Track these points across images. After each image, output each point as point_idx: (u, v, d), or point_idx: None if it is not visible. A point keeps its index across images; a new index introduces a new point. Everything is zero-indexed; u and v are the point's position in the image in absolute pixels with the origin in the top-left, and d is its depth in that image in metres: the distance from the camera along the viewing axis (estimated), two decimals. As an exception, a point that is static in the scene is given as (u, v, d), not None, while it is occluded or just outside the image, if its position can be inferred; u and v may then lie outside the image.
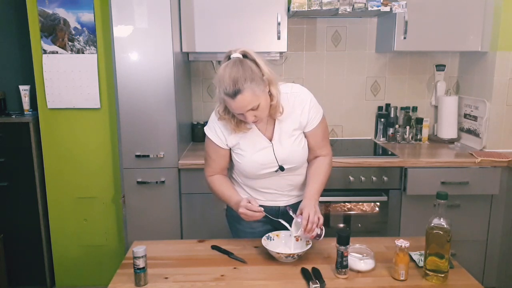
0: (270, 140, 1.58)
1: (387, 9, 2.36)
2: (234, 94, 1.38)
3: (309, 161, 1.68)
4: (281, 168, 1.58)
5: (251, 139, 1.58)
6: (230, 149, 1.62)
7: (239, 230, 1.73)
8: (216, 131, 1.59)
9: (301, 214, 1.48)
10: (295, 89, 1.60)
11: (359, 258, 1.41)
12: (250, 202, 1.49)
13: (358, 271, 1.40)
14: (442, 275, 1.34)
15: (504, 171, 2.39)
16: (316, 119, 1.60)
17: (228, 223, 1.81)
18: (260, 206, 1.64)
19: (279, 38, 2.44)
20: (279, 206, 1.67)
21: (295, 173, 1.64)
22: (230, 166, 1.71)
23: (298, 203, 1.66)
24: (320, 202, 1.66)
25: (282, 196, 1.67)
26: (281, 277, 1.38)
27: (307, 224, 1.44)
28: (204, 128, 1.64)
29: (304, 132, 1.62)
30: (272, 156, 1.57)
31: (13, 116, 2.64)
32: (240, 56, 1.45)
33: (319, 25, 2.84)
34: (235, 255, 1.52)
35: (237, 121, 1.53)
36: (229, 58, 1.45)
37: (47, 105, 2.57)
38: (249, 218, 1.49)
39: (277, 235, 1.56)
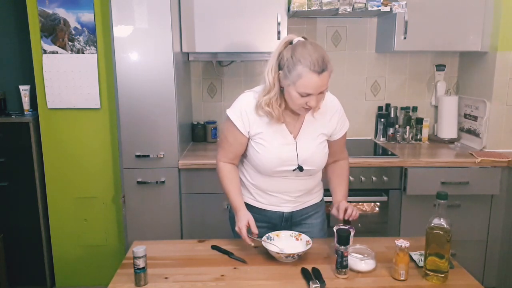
0: (294, 138, 1.56)
1: (387, 9, 2.36)
2: (322, 70, 1.37)
3: (328, 164, 1.69)
4: (300, 168, 1.56)
5: (276, 132, 1.55)
6: (249, 139, 1.58)
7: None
8: (242, 115, 1.54)
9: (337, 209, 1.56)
10: (329, 94, 1.60)
11: (360, 259, 1.41)
12: (248, 225, 1.51)
13: (359, 272, 1.40)
14: (442, 275, 1.34)
15: (504, 171, 2.39)
16: (342, 130, 1.64)
17: (230, 224, 1.80)
18: (263, 210, 1.66)
19: (279, 38, 2.44)
20: (283, 212, 1.66)
21: (310, 177, 1.63)
22: (241, 162, 1.69)
23: (303, 210, 1.67)
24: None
25: (287, 202, 1.64)
26: (281, 277, 1.38)
27: (345, 212, 1.53)
28: (227, 110, 1.58)
29: (328, 140, 1.63)
30: (294, 153, 1.55)
31: (13, 116, 2.64)
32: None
33: (319, 25, 2.84)
34: (235, 255, 1.51)
35: (283, 108, 1.51)
36: (290, 43, 1.45)
37: (47, 105, 2.57)
38: (240, 233, 1.51)
39: (277, 235, 1.56)
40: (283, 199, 1.63)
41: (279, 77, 1.46)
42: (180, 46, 2.44)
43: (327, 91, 1.49)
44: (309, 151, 1.57)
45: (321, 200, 1.74)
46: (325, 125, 1.59)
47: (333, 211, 1.58)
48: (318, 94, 1.42)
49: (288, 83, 1.43)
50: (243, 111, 1.54)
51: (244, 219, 1.51)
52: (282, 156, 1.55)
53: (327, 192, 1.73)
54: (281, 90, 1.48)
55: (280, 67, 1.45)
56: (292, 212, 1.66)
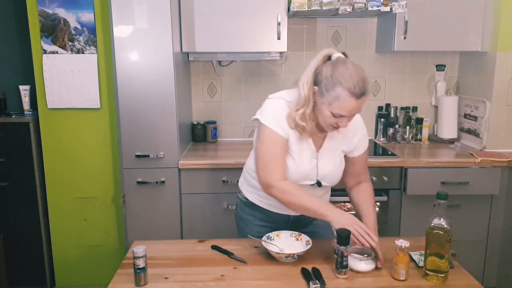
0: (317, 153, 1.54)
1: (387, 9, 2.36)
2: (362, 94, 1.33)
3: (352, 186, 1.67)
4: (318, 184, 1.55)
5: (302, 145, 1.50)
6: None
7: (245, 232, 1.70)
8: (279, 121, 1.46)
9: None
10: None
11: (359, 259, 1.41)
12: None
13: (359, 272, 1.40)
14: (442, 275, 1.34)
15: (504, 171, 2.39)
16: (364, 147, 1.61)
17: (237, 223, 1.80)
18: (270, 212, 1.65)
19: (279, 38, 2.44)
20: (290, 215, 1.65)
21: (325, 191, 1.62)
22: (247, 164, 1.67)
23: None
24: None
25: None
26: (281, 277, 1.38)
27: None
28: (260, 118, 1.47)
29: (348, 157, 1.61)
30: (315, 169, 1.54)
31: (13, 116, 2.64)
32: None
33: (319, 25, 2.84)
34: (235, 255, 1.51)
35: (315, 125, 1.45)
36: (329, 58, 1.41)
37: (47, 105, 2.57)
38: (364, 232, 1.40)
39: (277, 235, 1.56)
40: None
41: (313, 91, 1.41)
42: (180, 46, 2.44)
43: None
44: (329, 167, 1.55)
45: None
46: (347, 142, 1.58)
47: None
48: (351, 116, 1.40)
49: (323, 101, 1.38)
50: (280, 117, 1.47)
51: (355, 219, 1.42)
52: (305, 171, 1.52)
53: (332, 192, 1.72)
54: (314, 104, 1.43)
55: (316, 82, 1.40)
56: (297, 216, 1.65)
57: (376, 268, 1.41)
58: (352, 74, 1.33)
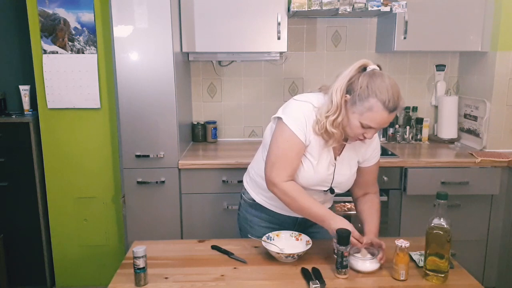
0: (335, 160, 1.54)
1: (387, 9, 2.36)
2: (394, 109, 1.35)
3: (358, 196, 1.67)
4: (331, 191, 1.56)
5: (323, 152, 1.49)
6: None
7: (250, 233, 1.69)
8: (303, 126, 1.44)
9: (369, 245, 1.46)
10: None
11: (363, 260, 1.41)
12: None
13: (365, 272, 1.39)
14: (442, 275, 1.34)
15: (504, 171, 2.39)
16: (376, 157, 1.62)
17: (239, 224, 1.79)
18: (277, 214, 1.65)
19: (279, 38, 2.44)
20: (297, 218, 1.65)
21: (331, 196, 1.63)
22: (259, 163, 1.65)
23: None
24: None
25: None
26: (281, 277, 1.38)
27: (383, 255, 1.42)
28: (283, 118, 1.45)
29: (359, 167, 1.61)
30: (331, 176, 1.54)
31: (13, 116, 2.64)
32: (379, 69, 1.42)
33: (319, 25, 2.84)
34: (235, 255, 1.51)
35: (343, 133, 1.44)
36: (364, 69, 1.42)
37: (47, 105, 2.57)
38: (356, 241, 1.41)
39: (277, 235, 1.56)
40: None
41: (345, 100, 1.40)
42: (180, 46, 2.44)
43: None
44: (345, 176, 1.56)
45: (332, 205, 1.75)
46: (363, 152, 1.58)
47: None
48: (379, 128, 1.41)
49: (354, 111, 1.39)
50: (304, 122, 1.45)
51: (349, 223, 1.42)
52: (322, 177, 1.53)
53: (337, 195, 1.72)
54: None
55: (348, 91, 1.40)
56: (305, 218, 1.64)
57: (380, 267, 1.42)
58: (388, 88, 1.34)
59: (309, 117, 1.45)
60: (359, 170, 1.61)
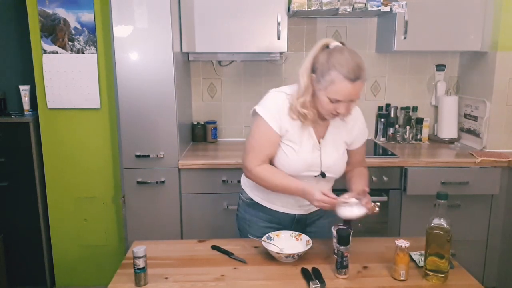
0: (319, 144, 1.55)
1: (387, 9, 2.36)
2: (356, 78, 1.37)
3: (347, 172, 1.68)
4: (323, 175, 1.56)
5: (304, 136, 1.53)
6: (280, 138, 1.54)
7: (249, 233, 1.69)
8: (276, 114, 1.50)
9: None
10: None
11: (350, 205, 1.42)
12: (324, 194, 1.43)
13: (352, 218, 1.42)
14: (442, 275, 1.34)
15: (504, 171, 2.39)
16: (362, 139, 1.65)
17: (238, 225, 1.79)
18: (275, 212, 1.65)
19: (279, 38, 2.44)
20: (295, 214, 1.66)
21: (327, 183, 1.62)
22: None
23: (314, 212, 1.67)
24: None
25: (301, 206, 1.63)
26: (281, 277, 1.38)
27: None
28: (257, 109, 1.52)
29: (348, 150, 1.64)
30: (318, 159, 1.55)
31: (13, 116, 2.64)
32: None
33: (319, 25, 2.84)
34: (235, 255, 1.51)
35: (316, 113, 1.49)
36: (327, 47, 1.44)
37: (47, 105, 2.57)
38: (327, 207, 1.44)
39: (277, 235, 1.56)
40: (298, 203, 1.62)
41: (311, 79, 1.45)
42: (180, 46, 2.44)
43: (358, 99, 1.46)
44: (332, 158, 1.57)
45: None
46: (348, 133, 1.60)
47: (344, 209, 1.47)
48: (349, 101, 1.42)
49: (320, 88, 1.42)
50: (277, 110, 1.50)
51: (319, 192, 1.43)
52: (308, 162, 1.54)
53: (338, 193, 1.72)
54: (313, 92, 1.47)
55: (313, 70, 1.44)
56: (303, 214, 1.66)
57: (371, 213, 1.46)
58: (348, 59, 1.37)
59: (282, 105, 1.50)
60: (349, 152, 1.64)
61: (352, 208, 1.42)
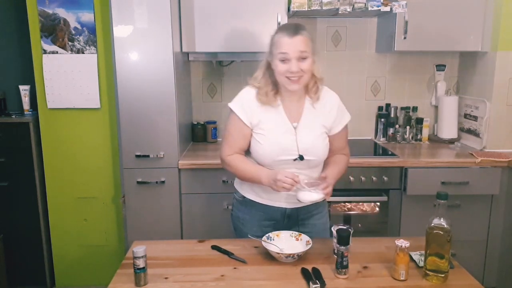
0: (294, 127, 1.59)
1: (387, 9, 2.36)
2: (294, 33, 1.49)
3: (328, 158, 1.71)
4: (301, 157, 1.58)
5: (275, 120, 1.59)
6: (252, 131, 1.62)
7: (243, 232, 1.72)
8: (243, 105, 1.60)
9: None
10: (329, 91, 1.68)
11: (307, 190, 1.49)
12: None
13: (305, 201, 1.51)
14: (442, 275, 1.34)
15: (504, 171, 2.39)
16: (342, 122, 1.66)
17: (233, 224, 1.81)
18: (265, 206, 1.67)
19: (279, 38, 2.44)
20: (286, 208, 1.67)
21: (311, 170, 1.63)
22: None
23: (305, 208, 1.67)
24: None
25: (288, 196, 1.62)
26: (281, 277, 1.38)
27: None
28: (229, 104, 1.64)
29: (329, 135, 1.65)
30: (294, 142, 1.58)
31: (13, 116, 2.64)
32: None
33: (319, 25, 2.84)
34: (235, 255, 1.51)
35: (272, 88, 1.58)
36: None
37: (47, 105, 2.57)
38: (288, 187, 1.47)
39: (277, 235, 1.56)
40: (283, 195, 1.62)
41: (267, 60, 1.59)
42: (180, 46, 2.44)
43: (314, 63, 1.56)
44: (309, 141, 1.59)
45: (323, 200, 1.73)
46: (325, 117, 1.63)
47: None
48: (299, 61, 1.49)
49: (272, 58, 1.54)
50: (245, 101, 1.61)
51: (280, 173, 1.48)
52: (282, 144, 1.57)
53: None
54: (272, 71, 1.57)
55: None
56: (293, 208, 1.67)
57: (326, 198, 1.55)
58: (286, 23, 1.53)
59: (249, 96, 1.62)
60: (329, 139, 1.66)
61: (311, 192, 1.48)
